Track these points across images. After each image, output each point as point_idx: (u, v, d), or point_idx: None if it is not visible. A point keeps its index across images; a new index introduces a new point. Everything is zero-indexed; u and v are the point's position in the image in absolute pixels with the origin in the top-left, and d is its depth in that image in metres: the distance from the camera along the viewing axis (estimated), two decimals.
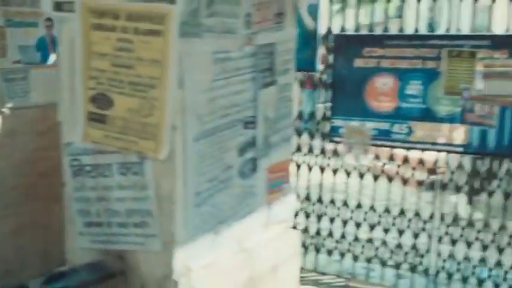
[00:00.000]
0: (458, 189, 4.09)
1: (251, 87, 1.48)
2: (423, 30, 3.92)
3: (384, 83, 3.73)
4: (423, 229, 3.99)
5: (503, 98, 3.53)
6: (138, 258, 1.32)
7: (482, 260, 3.97)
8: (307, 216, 3.79)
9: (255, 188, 1.55)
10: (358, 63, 3.73)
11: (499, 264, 3.79)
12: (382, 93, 3.74)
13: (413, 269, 4.06)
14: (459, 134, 3.72)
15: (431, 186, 4.34)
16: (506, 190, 3.90)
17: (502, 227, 3.83)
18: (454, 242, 3.62)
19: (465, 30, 3.81)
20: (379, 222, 3.77)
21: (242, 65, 1.43)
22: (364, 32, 4.08)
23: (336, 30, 4.06)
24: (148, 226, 1.29)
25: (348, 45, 3.74)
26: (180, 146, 1.26)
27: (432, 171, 4.28)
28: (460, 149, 3.75)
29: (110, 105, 1.28)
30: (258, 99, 1.51)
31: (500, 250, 3.78)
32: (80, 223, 1.37)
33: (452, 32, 3.91)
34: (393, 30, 4.02)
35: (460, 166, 4.11)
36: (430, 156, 3.87)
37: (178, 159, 1.26)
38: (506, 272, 3.87)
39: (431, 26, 4.20)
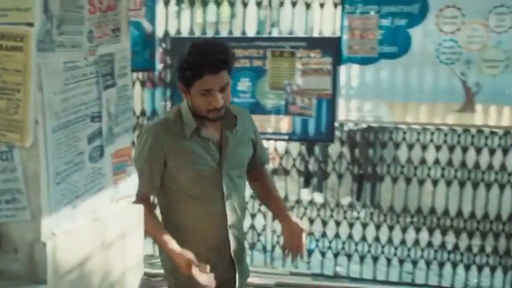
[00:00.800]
0: (287, 173, 4.86)
1: (96, 89, 1.96)
2: (252, 33, 4.60)
3: None
4: (259, 210, 4.70)
5: (319, 91, 4.33)
6: (10, 228, 1.74)
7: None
8: None
9: (103, 170, 2.03)
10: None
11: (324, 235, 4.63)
12: None
13: (252, 246, 4.77)
14: (284, 124, 4.46)
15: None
16: (340, 172, 4.73)
17: (338, 205, 4.67)
18: None
19: (300, 33, 4.54)
20: None
21: (87, 72, 1.91)
22: (197, 34, 4.67)
23: (173, 31, 4.60)
24: (19, 201, 1.72)
25: (183, 46, 4.29)
26: (42, 136, 1.70)
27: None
28: (286, 137, 4.51)
29: None
30: (102, 98, 1.99)
31: (338, 223, 4.61)
32: None
33: (275, 34, 4.65)
34: (224, 32, 4.66)
35: (287, 152, 4.88)
36: None
37: (40, 146, 1.70)
38: (330, 242, 4.73)
39: (261, 28, 4.91)
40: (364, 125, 4.85)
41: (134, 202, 2.21)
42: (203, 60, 2.21)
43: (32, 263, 1.75)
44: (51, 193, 1.76)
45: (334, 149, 4.93)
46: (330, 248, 4.81)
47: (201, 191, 2.42)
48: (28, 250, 1.75)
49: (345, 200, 5.25)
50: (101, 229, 2.03)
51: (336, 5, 4.21)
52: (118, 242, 2.13)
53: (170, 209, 2.51)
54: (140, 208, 2.26)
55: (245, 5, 4.39)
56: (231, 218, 2.47)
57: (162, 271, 2.73)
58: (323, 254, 4.82)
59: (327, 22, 4.42)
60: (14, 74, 1.66)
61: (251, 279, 3.04)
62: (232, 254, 2.50)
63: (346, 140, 5.08)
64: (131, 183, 2.22)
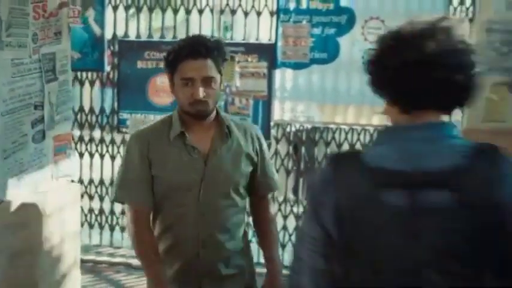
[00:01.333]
0: None
1: (39, 82, 2.43)
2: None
3: (162, 81, 4.73)
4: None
5: (256, 93, 4.81)
6: None
7: None
8: (91, 197, 4.73)
9: (44, 150, 2.50)
10: (140, 64, 4.74)
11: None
12: (161, 89, 4.76)
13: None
14: None
15: None
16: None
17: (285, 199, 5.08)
18: None
19: (239, 39, 4.99)
20: None
21: (32, 67, 2.38)
22: (144, 38, 5.10)
23: (121, 35, 5.02)
24: None
25: (130, 49, 4.74)
26: None
27: None
28: None
29: None
30: (44, 90, 2.47)
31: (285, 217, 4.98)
32: None
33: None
34: (169, 36, 5.11)
35: None
36: None
37: None
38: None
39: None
40: (309, 126, 5.28)
41: (131, 221, 2.14)
42: (185, 44, 2.15)
43: None
44: (0, 166, 2.22)
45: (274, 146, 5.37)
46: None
47: (174, 207, 2.17)
48: None
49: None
50: (42, 200, 2.49)
51: (271, 14, 4.70)
52: (56, 214, 2.60)
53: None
54: (77, 187, 2.73)
55: (188, 12, 4.85)
56: (203, 237, 2.18)
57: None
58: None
59: (263, 30, 4.91)
60: None
61: None
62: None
63: (289, 139, 5.49)
64: (71, 164, 2.70)
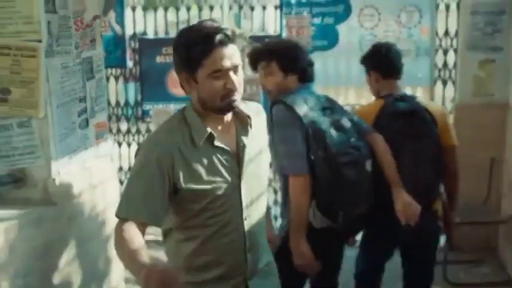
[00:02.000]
0: None
1: (81, 81, 3.17)
2: None
3: None
4: None
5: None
6: (31, 170, 2.94)
7: None
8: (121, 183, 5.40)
9: (88, 135, 3.25)
10: (159, 59, 5.42)
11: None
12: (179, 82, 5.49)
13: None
14: None
15: None
16: None
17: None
18: None
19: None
20: None
21: (76, 69, 3.12)
22: (161, 34, 5.78)
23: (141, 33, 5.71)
24: (36, 153, 2.92)
25: (149, 46, 5.44)
26: (49, 111, 2.91)
27: None
28: None
29: (9, 93, 2.88)
30: (86, 86, 3.21)
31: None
32: None
33: None
34: None
35: None
36: None
37: (49, 117, 2.91)
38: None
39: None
40: None
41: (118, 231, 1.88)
42: (204, 33, 1.90)
43: (46, 193, 2.96)
44: (56, 147, 2.97)
45: None
46: None
47: (215, 216, 2.01)
48: (43, 184, 2.96)
49: None
50: (88, 175, 3.25)
51: (276, 8, 5.38)
52: (99, 186, 3.35)
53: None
54: (113, 164, 3.49)
55: (201, 9, 5.54)
56: (248, 241, 2.10)
57: None
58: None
59: (269, 22, 5.59)
60: (31, 72, 2.87)
61: None
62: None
63: None
64: (107, 146, 3.45)
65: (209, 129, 1.96)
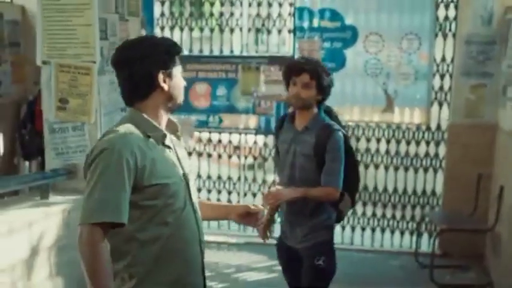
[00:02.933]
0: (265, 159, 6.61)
1: None
2: (227, 51, 6.46)
3: (201, 88, 6.13)
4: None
5: (278, 97, 6.24)
6: (80, 165, 3.79)
7: None
8: None
9: None
10: (183, 74, 6.16)
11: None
12: (200, 95, 6.16)
13: None
14: (252, 121, 6.31)
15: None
16: None
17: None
18: None
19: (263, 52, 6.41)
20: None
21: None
22: (186, 52, 6.58)
23: None
24: (85, 151, 3.76)
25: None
26: (99, 118, 3.77)
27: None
28: (253, 132, 6.41)
29: (67, 103, 3.75)
30: None
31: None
32: (55, 153, 3.81)
33: (245, 53, 6.53)
34: (206, 51, 6.56)
35: (255, 143, 6.79)
36: (235, 138, 6.38)
37: (98, 123, 3.76)
38: None
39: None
40: None
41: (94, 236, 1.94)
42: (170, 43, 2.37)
43: None
44: None
45: None
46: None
47: (177, 209, 2.11)
48: None
49: None
50: None
51: (289, 32, 6.17)
52: None
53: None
54: None
55: (222, 31, 6.36)
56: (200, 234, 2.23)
57: None
58: None
59: (283, 45, 6.37)
60: (85, 86, 3.74)
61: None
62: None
63: None
64: None
65: (163, 130, 2.18)
